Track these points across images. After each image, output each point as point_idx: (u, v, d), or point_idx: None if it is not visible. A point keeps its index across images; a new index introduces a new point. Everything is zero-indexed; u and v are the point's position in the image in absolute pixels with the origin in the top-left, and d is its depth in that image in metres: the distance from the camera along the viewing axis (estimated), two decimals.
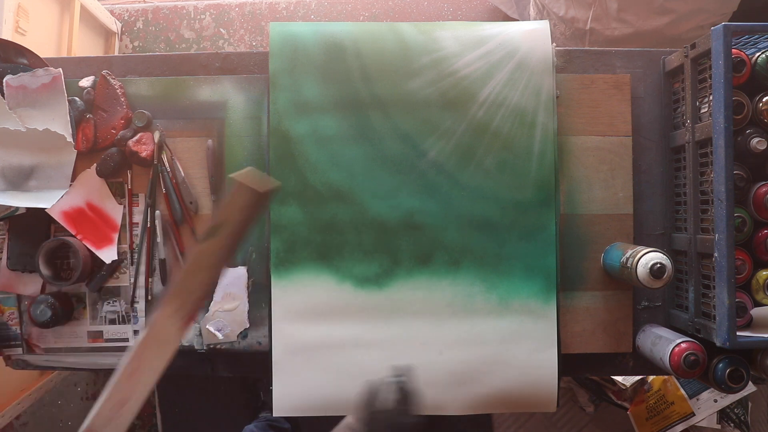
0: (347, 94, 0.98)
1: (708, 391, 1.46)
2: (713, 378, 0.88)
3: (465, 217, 0.97)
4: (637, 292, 1.01)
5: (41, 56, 1.00)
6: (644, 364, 1.00)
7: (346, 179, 0.98)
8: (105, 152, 0.99)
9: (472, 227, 0.97)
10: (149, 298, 1.00)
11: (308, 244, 0.97)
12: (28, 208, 0.97)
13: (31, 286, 1.00)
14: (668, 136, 1.01)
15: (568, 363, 0.99)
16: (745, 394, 1.44)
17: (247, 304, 0.99)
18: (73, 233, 0.98)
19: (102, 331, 1.00)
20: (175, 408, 1.70)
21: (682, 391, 1.46)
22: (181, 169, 1.00)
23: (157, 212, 1.00)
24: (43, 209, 0.96)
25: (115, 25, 1.89)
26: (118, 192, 1.01)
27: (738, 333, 0.82)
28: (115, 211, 1.00)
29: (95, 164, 1.00)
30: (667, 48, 1.04)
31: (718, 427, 1.45)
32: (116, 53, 1.90)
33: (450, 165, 0.97)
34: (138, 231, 1.00)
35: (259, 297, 0.99)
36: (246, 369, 1.03)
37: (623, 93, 1.01)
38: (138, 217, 1.00)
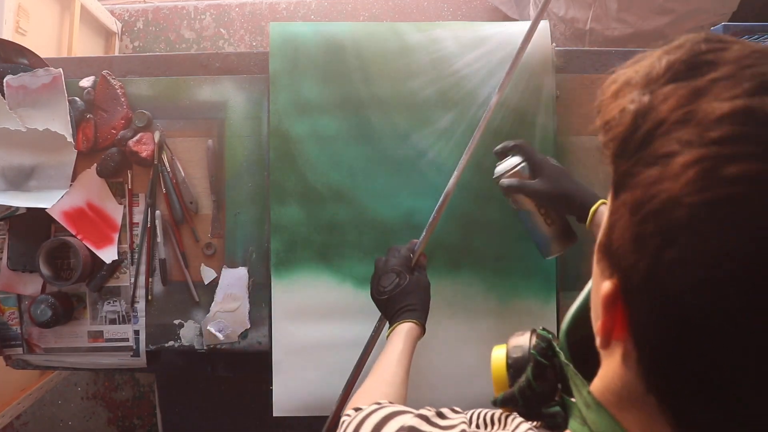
0: (347, 94, 0.98)
1: None
2: None
3: (465, 217, 0.97)
4: None
5: (41, 56, 1.00)
6: None
7: (346, 179, 0.98)
8: (105, 152, 0.99)
9: (472, 227, 0.97)
10: (149, 298, 1.00)
11: (308, 244, 0.97)
12: (28, 208, 0.97)
13: (31, 286, 1.00)
14: None
15: None
16: None
17: (247, 305, 0.99)
18: (74, 233, 0.98)
19: (102, 331, 1.00)
20: (175, 408, 1.69)
21: None
22: (181, 169, 1.00)
23: (158, 212, 1.00)
24: (43, 209, 0.96)
25: (115, 25, 1.90)
26: (118, 192, 1.01)
27: None
28: (116, 211, 1.00)
29: (95, 164, 1.00)
30: None
31: None
32: (116, 53, 1.90)
33: (450, 165, 0.97)
34: (138, 231, 1.00)
35: (260, 297, 0.99)
36: (246, 369, 1.03)
37: None
38: (138, 217, 1.00)
